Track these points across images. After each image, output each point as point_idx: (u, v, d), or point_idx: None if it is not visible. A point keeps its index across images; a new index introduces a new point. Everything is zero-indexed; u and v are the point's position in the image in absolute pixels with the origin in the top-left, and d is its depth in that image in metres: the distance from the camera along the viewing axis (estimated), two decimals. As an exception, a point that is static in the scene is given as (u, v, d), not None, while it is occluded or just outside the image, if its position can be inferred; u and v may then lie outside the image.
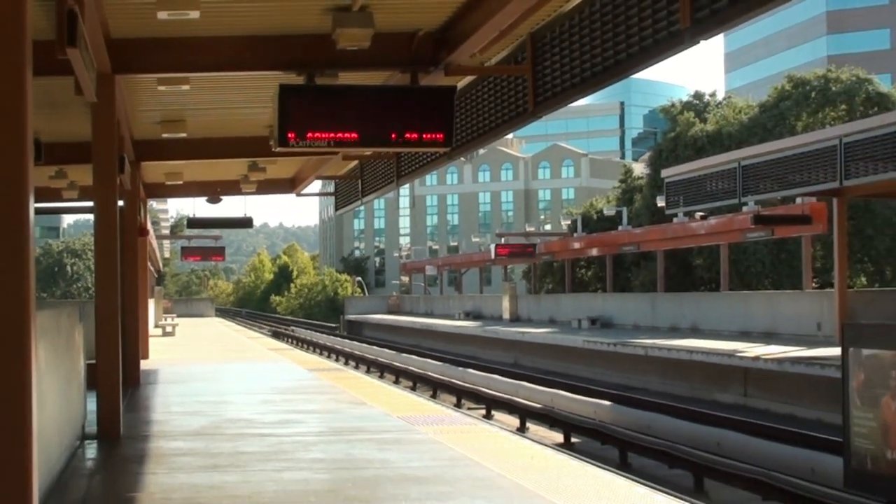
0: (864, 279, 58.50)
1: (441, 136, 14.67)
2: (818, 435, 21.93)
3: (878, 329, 18.19)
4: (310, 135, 14.22)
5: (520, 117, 17.12)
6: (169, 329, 51.94)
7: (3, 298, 5.96)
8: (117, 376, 16.24)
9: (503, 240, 74.03)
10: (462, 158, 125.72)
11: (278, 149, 14.54)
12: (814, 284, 40.24)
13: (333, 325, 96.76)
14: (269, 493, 11.40)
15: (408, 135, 14.67)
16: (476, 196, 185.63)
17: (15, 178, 6.03)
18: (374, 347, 60.37)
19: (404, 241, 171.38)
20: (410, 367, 44.27)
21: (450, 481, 11.99)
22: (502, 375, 38.83)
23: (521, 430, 26.81)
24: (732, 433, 23.62)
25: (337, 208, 38.47)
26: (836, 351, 18.15)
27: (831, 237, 32.88)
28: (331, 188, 36.31)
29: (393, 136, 14.66)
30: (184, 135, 22.62)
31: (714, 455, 20.59)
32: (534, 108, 16.27)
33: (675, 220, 45.53)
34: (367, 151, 23.10)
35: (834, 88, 69.43)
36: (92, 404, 16.18)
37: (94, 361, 16.41)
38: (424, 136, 14.70)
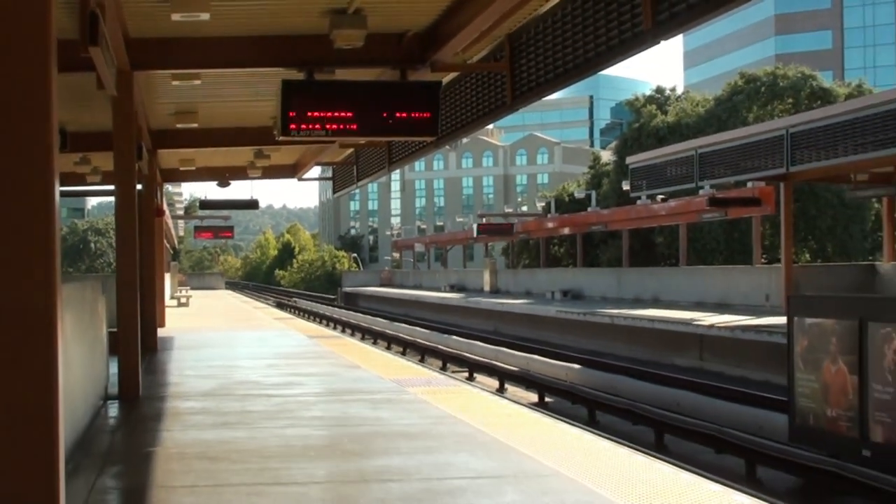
0: (807, 255, 58.61)
1: (428, 126, 14.65)
2: (766, 395, 21.97)
3: (820, 300, 18.24)
4: (309, 125, 14.20)
5: (499, 110, 17.13)
6: (183, 300, 51.89)
7: (31, 273, 5.94)
8: (136, 343, 16.23)
9: (484, 220, 73.98)
10: (447, 147, 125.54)
11: (281, 138, 14.52)
12: (763, 260, 40.23)
13: (332, 296, 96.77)
14: (273, 447, 11.39)
15: (398, 125, 14.65)
16: (460, 180, 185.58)
17: (42, 164, 5.99)
18: (369, 317, 60.40)
19: (395, 220, 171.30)
20: (401, 335, 44.29)
21: (436, 437, 12.00)
22: (483, 342, 38.86)
23: (500, 390, 26.84)
24: (689, 393, 23.67)
25: (335, 191, 38.47)
26: (782, 320, 18.17)
27: (778, 217, 32.90)
28: (329, 173, 36.24)
29: (385, 126, 14.63)
30: (196, 125, 22.61)
31: (673, 413, 20.63)
32: (511, 102, 16.28)
33: (638, 202, 45.51)
34: (362, 140, 23.06)
35: (781, 84, 69.57)
36: (114, 368, 16.17)
37: (115, 329, 16.40)
38: (413, 126, 14.67)
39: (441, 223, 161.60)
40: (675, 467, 10.74)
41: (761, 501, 9.17)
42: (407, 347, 39.54)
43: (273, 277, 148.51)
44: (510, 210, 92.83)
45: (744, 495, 9.26)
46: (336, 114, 14.18)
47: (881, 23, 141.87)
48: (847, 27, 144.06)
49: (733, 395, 23.23)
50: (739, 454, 16.96)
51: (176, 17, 13.03)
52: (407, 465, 10.28)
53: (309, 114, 14.13)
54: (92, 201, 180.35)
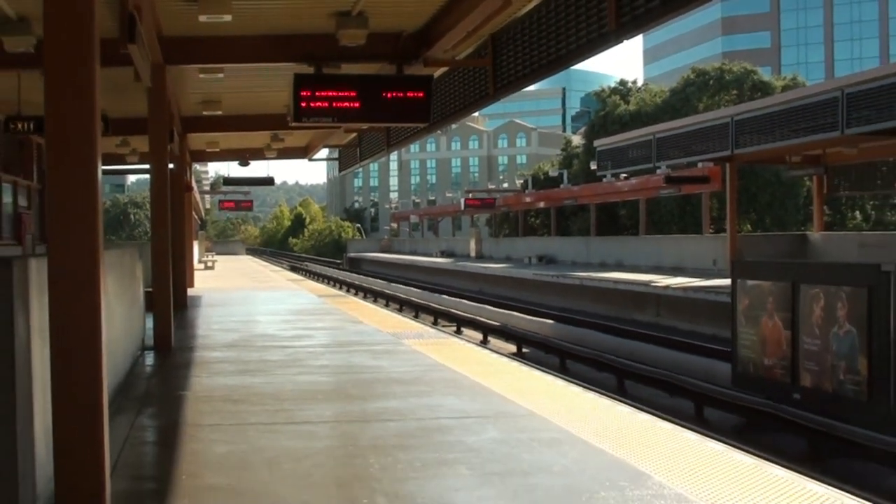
0: (749, 226, 58.60)
1: (421, 114, 14.63)
2: (713, 346, 22.03)
3: (759, 265, 18.29)
4: (318, 112, 14.18)
5: (483, 100, 17.14)
6: (209, 264, 51.85)
7: (78, 239, 5.97)
8: (169, 301, 16.24)
9: (470, 195, 73.85)
10: (438, 131, 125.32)
11: (293, 123, 14.49)
12: (711, 230, 40.26)
13: (338, 261, 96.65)
14: (287, 391, 11.42)
15: (395, 113, 14.62)
16: (449, 161, 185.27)
17: (87, 146, 6.03)
18: (370, 279, 60.34)
19: (393, 195, 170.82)
20: (398, 294, 44.32)
21: (427, 382, 12.03)
22: (469, 300, 38.88)
23: (484, 342, 26.86)
24: (647, 345, 23.73)
25: (340, 170, 38.40)
26: (727, 282, 18.22)
27: (725, 193, 32.89)
28: (335, 154, 36.18)
29: (384, 113, 14.61)
30: (220, 112, 22.62)
31: (632, 361, 20.69)
32: (494, 93, 16.29)
33: (604, 180, 45.45)
34: (364, 125, 23.01)
35: (727, 78, 69.57)
36: (149, 323, 16.19)
37: (151, 289, 16.42)
38: (408, 114, 14.66)
39: (433, 198, 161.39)
40: (633, 408, 10.78)
41: (707, 438, 9.22)
42: (403, 305, 39.56)
43: (287, 244, 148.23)
44: (493, 186, 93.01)
45: (692, 433, 9.31)
46: (341, 103, 14.17)
47: (812, 25, 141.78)
48: (783, 29, 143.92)
49: (685, 346, 23.29)
50: (689, 397, 17.04)
51: (203, 18, 13.05)
52: (402, 407, 10.31)
53: (318, 102, 14.10)
54: (131, 178, 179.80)
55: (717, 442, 8.96)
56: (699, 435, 9.29)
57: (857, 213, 60.37)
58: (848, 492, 7.78)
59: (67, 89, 6.01)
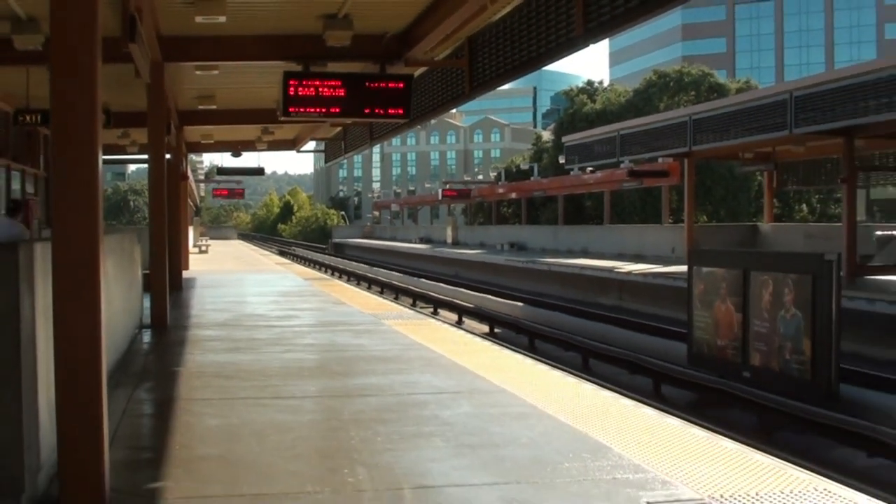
0: (705, 217, 58.77)
1: (402, 110, 14.63)
2: (671, 328, 22.10)
3: (714, 253, 18.37)
4: (305, 108, 14.15)
5: (460, 98, 17.15)
6: (203, 248, 51.75)
7: (80, 224, 5.95)
8: (165, 282, 16.23)
9: (448, 186, 73.78)
10: (418, 126, 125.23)
11: (283, 118, 14.49)
12: (670, 220, 40.31)
13: (323, 246, 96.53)
14: (274, 368, 11.40)
15: (378, 109, 14.61)
16: (428, 154, 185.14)
17: (89, 137, 6.01)
18: (353, 263, 60.30)
19: (376, 185, 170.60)
20: (379, 277, 44.28)
21: (405, 360, 12.02)
22: (446, 284, 38.92)
23: (459, 323, 26.90)
24: (610, 326, 23.80)
25: (326, 161, 38.40)
26: (684, 268, 18.28)
27: (683, 186, 32.97)
28: (322, 146, 36.14)
29: (367, 109, 14.58)
30: (214, 107, 22.56)
31: (596, 342, 20.74)
32: (470, 91, 16.29)
33: (571, 173, 45.50)
34: (349, 121, 22.96)
35: (686, 80, 69.77)
36: (147, 303, 16.13)
37: (148, 271, 16.38)
38: (390, 110, 14.64)
39: (413, 188, 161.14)
40: (596, 385, 10.81)
41: (665, 413, 9.25)
42: (384, 288, 39.54)
43: (276, 230, 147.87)
44: (469, 178, 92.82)
45: (651, 409, 9.34)
46: (328, 99, 14.15)
47: (765, 33, 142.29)
48: (738, 36, 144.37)
49: (645, 328, 23.36)
50: (648, 375, 17.10)
51: (199, 18, 13.05)
52: (382, 383, 10.31)
53: (305, 99, 14.09)
54: (131, 167, 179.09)
55: (673, 417, 8.99)
56: (657, 410, 9.32)
57: (804, 206, 60.66)
58: (792, 462, 7.82)
59: (71, 84, 6.00)
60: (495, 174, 79.56)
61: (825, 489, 6.31)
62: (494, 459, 7.03)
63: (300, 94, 14.08)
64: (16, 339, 5.71)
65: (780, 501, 6.06)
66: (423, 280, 41.73)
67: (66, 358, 5.92)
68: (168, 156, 19.88)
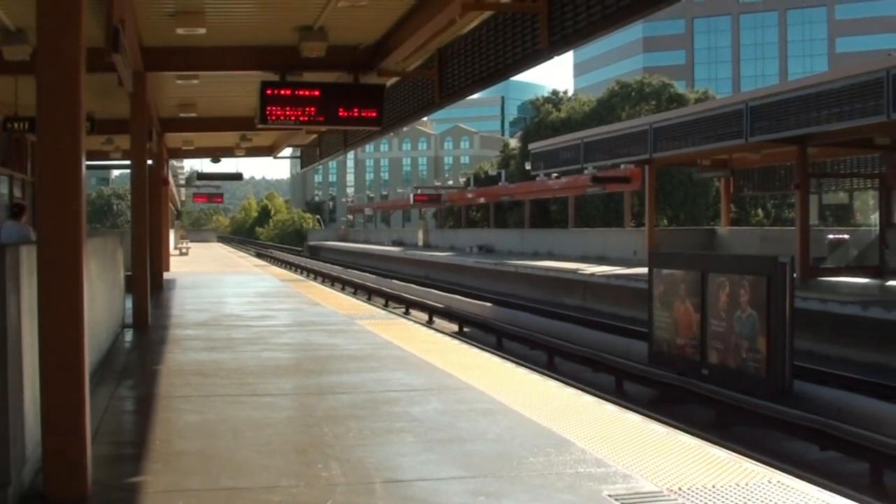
0: (665, 221, 58.99)
1: (375, 118, 14.64)
2: (632, 327, 22.19)
3: (673, 256, 18.48)
4: (282, 116, 14.14)
5: (430, 106, 17.16)
6: (184, 250, 51.62)
7: (64, 228, 5.95)
8: (146, 283, 16.16)
9: (419, 191, 73.83)
10: (391, 134, 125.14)
11: (260, 125, 14.50)
12: (632, 224, 40.45)
13: (299, 248, 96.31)
14: (251, 366, 11.38)
15: (351, 117, 14.61)
16: (401, 160, 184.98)
17: (73, 144, 6.01)
18: (328, 265, 60.19)
19: (350, 190, 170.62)
20: (353, 279, 44.22)
21: (378, 358, 12.02)
22: (417, 285, 38.92)
23: (430, 322, 26.91)
24: (574, 325, 23.86)
25: (302, 167, 38.34)
26: (645, 270, 18.36)
27: (644, 192, 33.10)
28: (298, 153, 36.06)
29: (341, 118, 14.59)
30: (195, 114, 22.52)
31: (561, 341, 20.79)
32: (440, 100, 16.31)
33: (537, 178, 45.56)
34: (323, 128, 22.92)
35: (647, 90, 70.03)
36: (129, 303, 16.07)
37: (130, 273, 16.32)
38: (363, 118, 14.65)
39: (386, 193, 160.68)
40: (560, 382, 10.84)
41: (626, 410, 9.29)
42: (357, 289, 39.50)
43: (254, 233, 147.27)
44: (439, 184, 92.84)
45: (613, 405, 9.38)
46: (303, 107, 14.14)
47: (722, 45, 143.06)
48: (696, 48, 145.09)
49: (608, 327, 23.45)
50: (611, 372, 17.17)
51: (180, 30, 13.07)
52: (355, 381, 10.30)
53: (282, 107, 14.08)
54: (115, 172, 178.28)
55: (634, 413, 9.04)
56: (619, 407, 9.36)
57: (760, 210, 60.98)
58: (748, 456, 7.88)
59: (56, 93, 6.00)
60: (465, 180, 79.69)
61: (779, 481, 6.36)
62: (462, 454, 7.05)
63: (277, 102, 14.07)
64: (2, 337, 5.70)
65: (736, 493, 6.11)
66: (396, 281, 41.70)
67: (50, 356, 5.92)
68: (150, 161, 19.80)
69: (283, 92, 14.19)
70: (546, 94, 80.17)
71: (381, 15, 13.61)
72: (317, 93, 14.33)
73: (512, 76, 13.91)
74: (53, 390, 5.94)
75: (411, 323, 18.31)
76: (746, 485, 6.27)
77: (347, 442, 7.38)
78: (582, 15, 10.48)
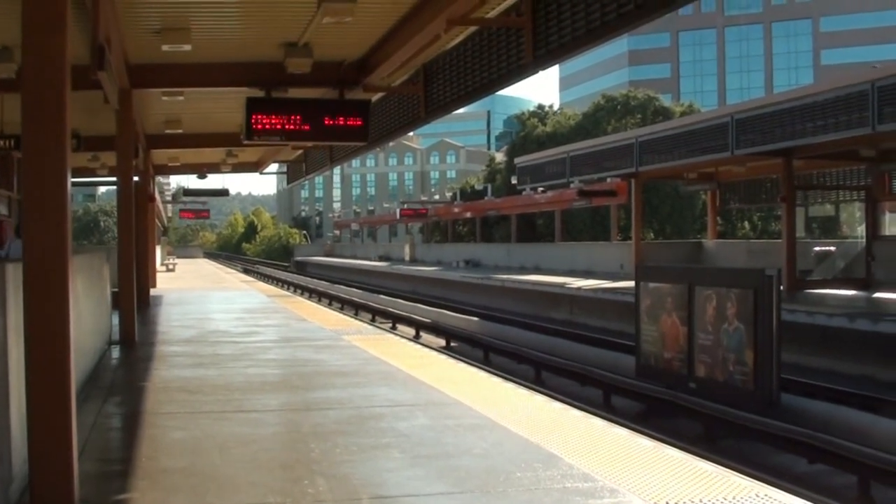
0: (652, 234, 59.12)
1: (360, 134, 14.65)
2: (619, 341, 22.23)
3: (660, 269, 18.52)
4: (268, 132, 14.16)
5: (415, 122, 17.23)
6: (171, 267, 51.52)
7: (49, 245, 5.97)
8: (133, 300, 16.15)
9: (405, 206, 73.90)
10: (377, 148, 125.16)
11: (246, 141, 14.50)
12: (618, 238, 40.58)
13: (286, 264, 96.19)
14: (237, 382, 11.37)
15: (337, 133, 14.64)
16: (387, 175, 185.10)
17: (58, 162, 6.03)
18: (315, 280, 60.17)
19: (336, 205, 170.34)
20: (340, 294, 44.25)
21: (364, 374, 12.02)
22: (404, 300, 38.92)
23: (417, 337, 26.91)
24: (561, 339, 23.88)
25: (288, 182, 38.38)
26: (632, 283, 18.39)
27: (630, 205, 33.19)
28: (284, 168, 36.09)
29: (326, 134, 14.61)
30: (180, 131, 22.48)
31: (548, 355, 20.81)
32: (425, 115, 16.36)
33: (524, 193, 45.66)
34: (309, 143, 22.95)
35: (633, 104, 70.25)
36: (116, 320, 16.04)
37: (117, 289, 16.30)
38: (348, 133, 14.68)
39: (372, 208, 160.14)
40: (548, 397, 10.87)
41: (613, 424, 9.31)
42: (344, 304, 39.51)
43: (241, 249, 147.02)
44: (426, 198, 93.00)
45: (600, 419, 9.40)
46: (289, 124, 14.15)
47: (707, 58, 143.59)
48: (682, 61, 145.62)
49: (595, 341, 23.47)
50: (598, 387, 17.20)
51: (165, 47, 13.08)
52: (341, 396, 10.30)
53: (267, 123, 14.08)
54: (102, 189, 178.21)
55: (621, 427, 9.05)
56: (606, 421, 9.38)
57: (746, 223, 61.15)
58: (736, 469, 7.90)
59: (41, 111, 6.02)
60: (451, 194, 79.76)
61: (766, 495, 6.39)
62: (449, 469, 7.05)
63: (262, 118, 14.08)
64: (-13, 355, 5.71)
65: (722, 506, 6.13)
66: (383, 296, 41.71)
67: (36, 373, 5.92)
68: (136, 178, 19.80)
69: (268, 108, 14.20)
70: (532, 109, 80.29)
71: (366, 31, 13.65)
72: (302, 109, 14.35)
73: (497, 91, 13.97)
74: (39, 408, 5.94)
75: (398, 338, 18.31)
76: (734, 498, 6.29)
77: (334, 458, 7.38)
78: (567, 29, 10.53)
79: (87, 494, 6.20)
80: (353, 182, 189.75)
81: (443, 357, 14.77)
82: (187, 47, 13.06)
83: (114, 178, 18.86)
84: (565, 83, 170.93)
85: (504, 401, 9.94)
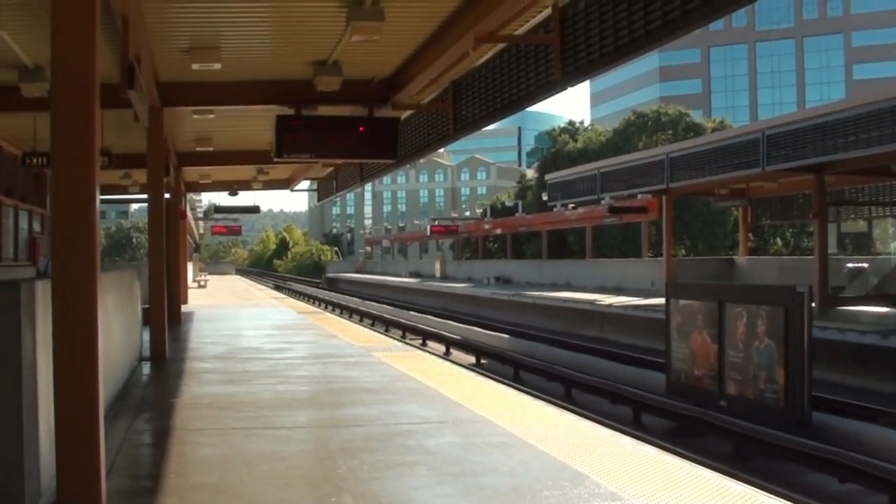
0: (683, 251, 58.90)
1: (389, 151, 14.70)
2: (650, 358, 22.13)
3: (690, 286, 18.45)
4: (298, 149, 14.23)
5: (445, 139, 17.22)
6: (202, 283, 51.78)
7: (78, 262, 6.02)
8: (164, 316, 16.21)
9: (436, 222, 73.92)
10: (407, 165, 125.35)
11: (276, 159, 14.54)
12: (649, 255, 40.37)
13: (317, 281, 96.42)
14: (266, 399, 11.39)
15: (366, 151, 14.70)
16: (418, 192, 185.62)
17: (87, 179, 6.08)
18: (346, 297, 60.26)
19: (368, 222, 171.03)
20: (371, 311, 44.27)
21: (393, 391, 12.02)
22: (434, 316, 38.92)
23: (447, 354, 26.88)
24: (591, 357, 23.81)
25: (319, 199, 38.49)
26: (662, 301, 18.32)
27: (661, 222, 33.11)
28: (315, 185, 36.20)
29: (356, 151, 14.67)
30: (211, 148, 22.62)
31: (578, 372, 20.75)
32: (455, 132, 16.36)
33: (554, 209, 45.59)
34: (339, 161, 23.02)
35: (664, 119, 70.10)
36: (146, 336, 16.12)
37: (148, 306, 16.37)
38: (378, 151, 14.74)
39: (403, 224, 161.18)
40: (576, 415, 10.83)
41: (641, 442, 9.27)
42: (375, 321, 39.53)
43: (272, 265, 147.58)
44: (456, 215, 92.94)
45: (628, 437, 9.36)
46: (318, 141, 14.21)
47: (738, 74, 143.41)
48: (713, 77, 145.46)
49: (625, 358, 23.39)
50: (629, 404, 17.12)
51: (195, 66, 13.14)
52: (370, 414, 10.31)
53: (297, 141, 14.15)
54: (134, 206, 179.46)
55: (649, 445, 9.01)
56: (634, 439, 9.34)
57: (778, 239, 60.84)
58: (765, 489, 7.85)
59: (70, 129, 6.08)
60: (481, 211, 79.70)
61: (793, 513, 6.34)
62: (476, 487, 7.04)
63: (292, 136, 14.14)
64: (17, 372, 5.78)
65: (749, 525, 6.09)
66: (413, 313, 41.73)
67: (65, 390, 5.96)
68: (167, 195, 19.93)
69: (298, 126, 14.26)
70: (563, 125, 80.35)
71: (394, 49, 13.69)
72: (332, 126, 14.41)
73: (526, 107, 13.96)
74: (68, 424, 5.98)
75: (428, 355, 18.30)
76: (762, 517, 6.25)
77: (361, 475, 7.38)
78: (595, 46, 10.53)
79: (115, 510, 6.23)
80: (384, 198, 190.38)
81: (472, 374, 14.73)
82: (217, 66, 13.14)
83: (145, 196, 19.06)
84: (596, 99, 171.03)
85: (532, 418, 9.92)
